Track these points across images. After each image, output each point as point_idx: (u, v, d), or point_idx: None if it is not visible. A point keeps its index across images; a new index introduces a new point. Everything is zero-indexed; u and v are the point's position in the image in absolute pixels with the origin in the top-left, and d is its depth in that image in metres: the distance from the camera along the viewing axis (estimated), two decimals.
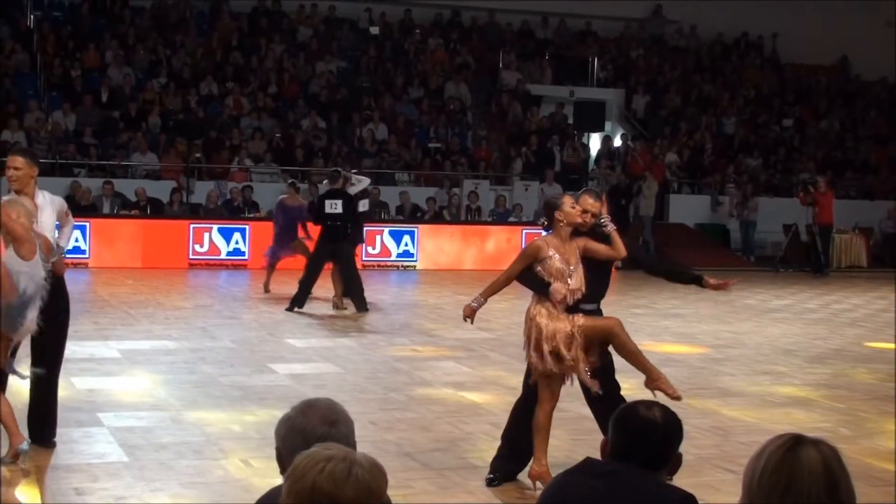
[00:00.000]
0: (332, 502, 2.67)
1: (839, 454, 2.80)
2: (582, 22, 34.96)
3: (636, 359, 7.99)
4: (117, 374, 11.73)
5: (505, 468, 8.21)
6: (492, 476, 8.16)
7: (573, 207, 7.99)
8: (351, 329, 15.66)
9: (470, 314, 8.16)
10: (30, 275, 7.81)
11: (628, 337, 7.95)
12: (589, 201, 8.18)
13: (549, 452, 7.97)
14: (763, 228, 28.73)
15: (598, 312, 8.29)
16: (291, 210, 19.12)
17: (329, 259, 17.42)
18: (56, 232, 8.87)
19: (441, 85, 31.63)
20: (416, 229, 24.76)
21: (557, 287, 7.80)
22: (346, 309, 17.20)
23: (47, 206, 8.74)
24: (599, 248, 8.08)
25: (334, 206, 17.06)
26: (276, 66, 30.07)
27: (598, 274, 8.17)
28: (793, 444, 2.76)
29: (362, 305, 17.10)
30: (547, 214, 8.13)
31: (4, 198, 8.30)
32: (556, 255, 7.87)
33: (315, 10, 32.35)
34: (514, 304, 17.48)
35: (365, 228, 19.51)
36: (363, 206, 18.26)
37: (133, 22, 30.09)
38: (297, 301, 16.99)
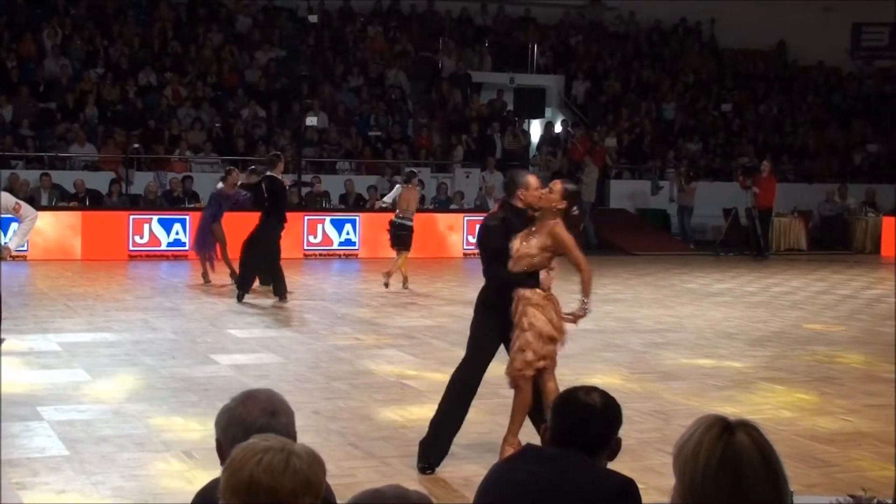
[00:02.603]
0: (270, 494, 2.66)
1: (761, 430, 2.83)
2: (521, 9, 35.04)
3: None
4: (57, 368, 11.62)
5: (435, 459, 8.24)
6: (424, 465, 8.17)
7: (536, 191, 7.88)
8: (293, 319, 15.62)
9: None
10: None
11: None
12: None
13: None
14: (703, 213, 28.86)
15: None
16: (230, 198, 18.97)
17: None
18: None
19: (381, 73, 31.58)
20: (357, 218, 24.68)
21: (545, 278, 7.76)
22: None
23: None
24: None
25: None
26: (214, 56, 29.88)
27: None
28: (728, 436, 2.76)
29: (243, 288, 16.94)
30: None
31: None
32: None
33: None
34: (456, 292, 17.52)
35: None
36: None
37: (69, 12, 29.78)
38: (243, 287, 16.91)
